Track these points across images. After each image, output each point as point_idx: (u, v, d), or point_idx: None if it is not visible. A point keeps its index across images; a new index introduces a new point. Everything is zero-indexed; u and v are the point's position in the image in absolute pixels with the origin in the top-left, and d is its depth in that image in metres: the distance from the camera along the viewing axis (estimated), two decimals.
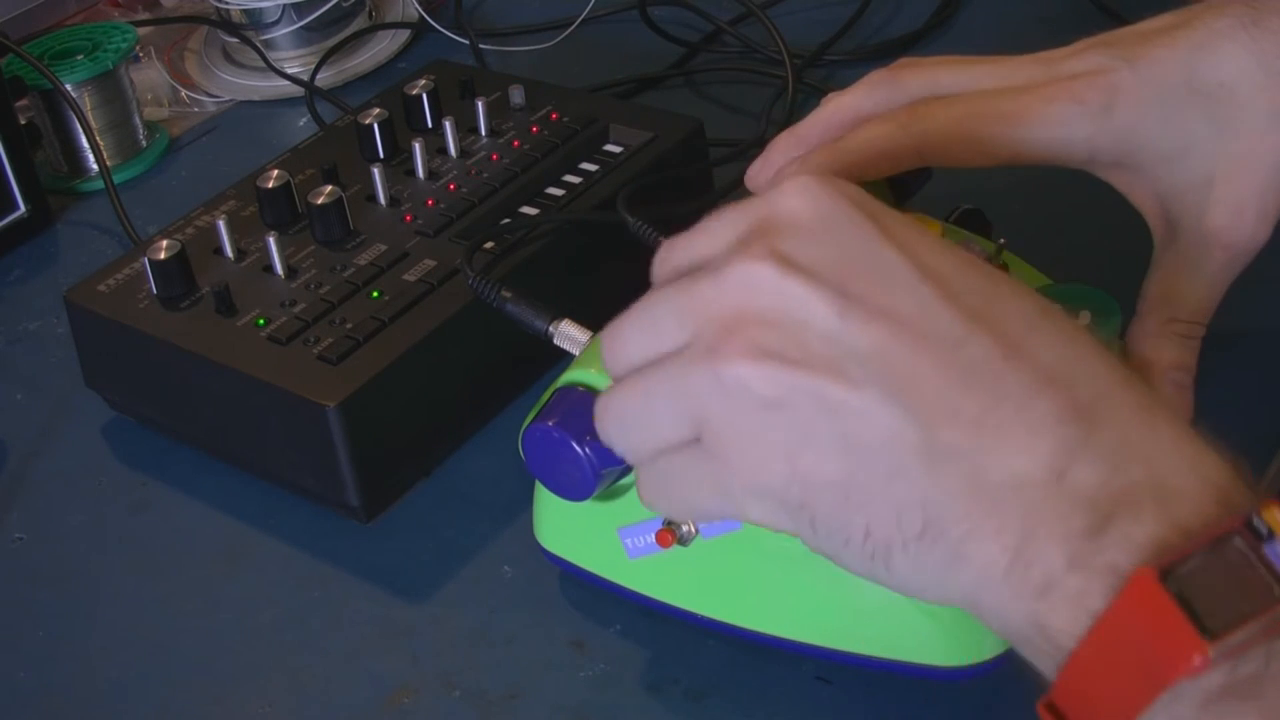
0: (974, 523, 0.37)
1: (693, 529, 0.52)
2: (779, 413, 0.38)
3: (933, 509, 0.37)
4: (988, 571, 0.37)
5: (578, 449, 0.51)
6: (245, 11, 0.99)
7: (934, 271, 0.39)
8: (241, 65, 1.00)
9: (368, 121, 0.74)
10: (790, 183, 0.40)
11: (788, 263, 0.39)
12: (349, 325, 0.63)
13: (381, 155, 0.74)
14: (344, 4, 1.00)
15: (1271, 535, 0.35)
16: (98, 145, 0.87)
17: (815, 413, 0.38)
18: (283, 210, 0.70)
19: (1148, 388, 0.39)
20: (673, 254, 0.43)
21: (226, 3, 0.98)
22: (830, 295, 0.38)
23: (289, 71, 0.97)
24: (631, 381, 0.41)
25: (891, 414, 0.37)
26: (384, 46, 1.01)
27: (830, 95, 0.55)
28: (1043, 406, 0.37)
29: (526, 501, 0.59)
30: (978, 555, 0.37)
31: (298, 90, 0.96)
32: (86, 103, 0.89)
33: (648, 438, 0.41)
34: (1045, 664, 0.37)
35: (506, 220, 0.69)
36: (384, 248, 0.68)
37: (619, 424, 0.42)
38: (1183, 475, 0.37)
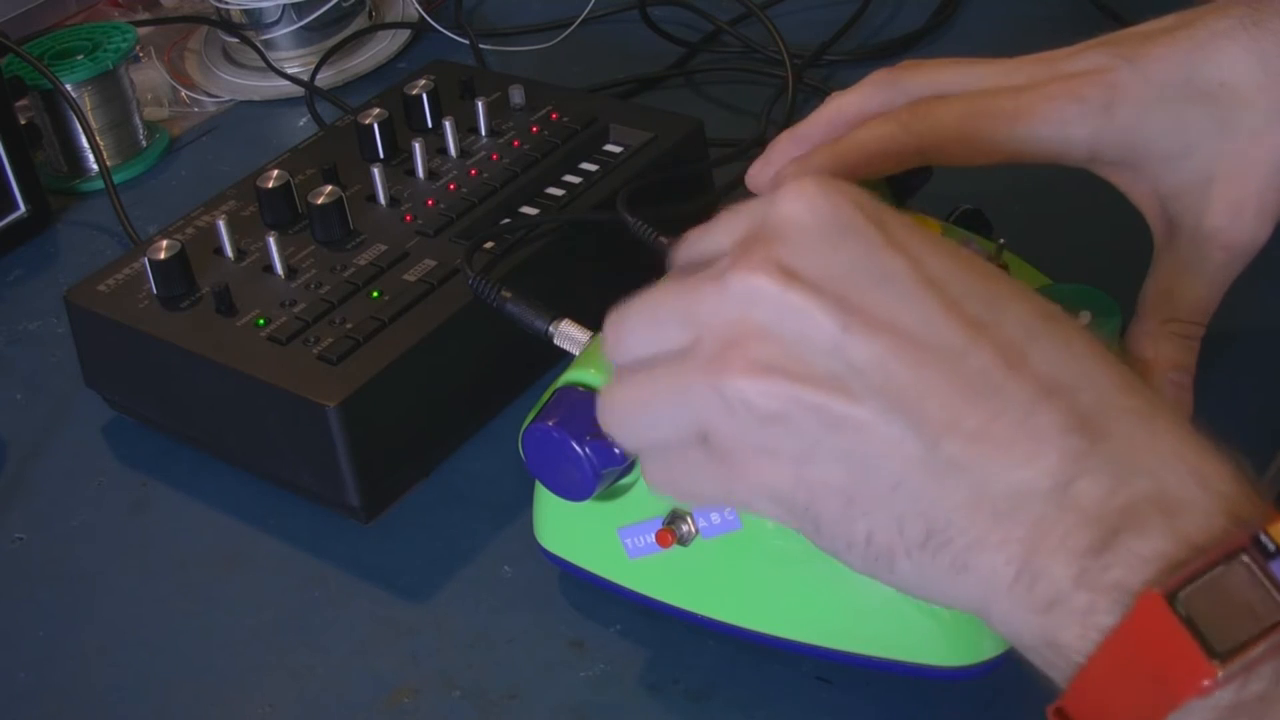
0: (978, 534, 0.37)
1: (693, 529, 0.52)
2: (782, 426, 0.38)
3: (936, 519, 0.37)
4: (993, 582, 0.37)
5: (578, 449, 0.51)
6: (245, 11, 0.99)
7: (936, 278, 0.39)
8: (241, 65, 1.00)
9: (368, 121, 0.74)
10: (792, 186, 0.40)
11: (789, 274, 0.38)
12: (349, 325, 0.63)
13: (381, 155, 0.74)
14: (344, 4, 1.00)
15: (1279, 552, 0.34)
16: (98, 145, 0.87)
17: (817, 426, 0.38)
18: (283, 210, 0.70)
19: (1150, 393, 0.39)
20: (687, 248, 0.43)
21: (226, 3, 0.98)
22: (831, 308, 0.38)
23: (289, 71, 0.97)
24: (634, 381, 0.41)
25: (893, 427, 0.37)
26: (384, 46, 1.00)
27: (832, 95, 0.55)
28: (1045, 417, 0.37)
29: (526, 501, 0.59)
30: (982, 566, 0.37)
31: (298, 90, 0.96)
32: (86, 103, 0.89)
33: (650, 435, 0.42)
34: (1055, 674, 0.37)
35: (506, 220, 0.69)
36: (384, 248, 0.68)
37: (621, 421, 0.42)
38: (1188, 486, 0.36)
